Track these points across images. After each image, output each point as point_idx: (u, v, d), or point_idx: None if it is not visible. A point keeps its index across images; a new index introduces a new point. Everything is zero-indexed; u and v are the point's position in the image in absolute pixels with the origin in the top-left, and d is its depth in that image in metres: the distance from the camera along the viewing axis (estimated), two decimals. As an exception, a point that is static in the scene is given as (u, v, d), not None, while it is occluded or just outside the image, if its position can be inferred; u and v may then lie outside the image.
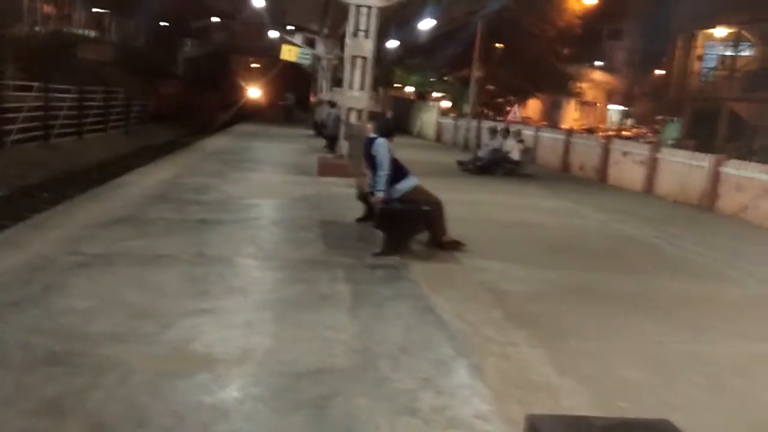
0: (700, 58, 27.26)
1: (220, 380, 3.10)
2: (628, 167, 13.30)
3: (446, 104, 29.25)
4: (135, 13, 36.17)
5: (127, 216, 6.59)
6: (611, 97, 44.30)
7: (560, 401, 3.20)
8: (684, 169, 11.66)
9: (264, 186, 9.67)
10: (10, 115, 14.08)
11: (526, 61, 26.67)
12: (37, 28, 32.98)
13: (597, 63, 43.16)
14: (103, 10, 38.44)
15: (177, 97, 34.34)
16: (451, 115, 25.84)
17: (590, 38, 30.86)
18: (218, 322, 3.84)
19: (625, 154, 13.58)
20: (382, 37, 15.96)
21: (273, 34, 29.29)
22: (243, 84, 52.50)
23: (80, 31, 35.40)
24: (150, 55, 37.26)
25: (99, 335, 3.48)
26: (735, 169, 10.54)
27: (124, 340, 3.45)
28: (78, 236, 5.61)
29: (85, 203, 7.33)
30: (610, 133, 29.69)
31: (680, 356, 3.96)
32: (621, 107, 44.12)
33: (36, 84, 15.73)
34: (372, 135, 6.14)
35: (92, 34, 37.02)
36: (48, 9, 35.97)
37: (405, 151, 7.78)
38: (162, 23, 39.12)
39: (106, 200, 7.48)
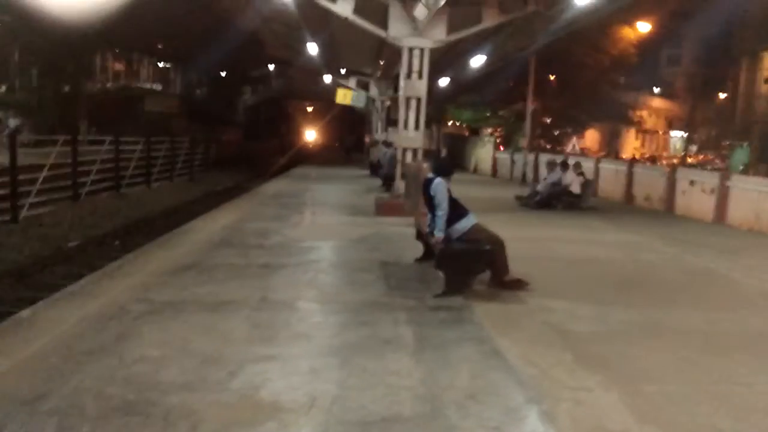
0: (767, 80, 26.23)
1: (288, 429, 3.08)
2: (696, 196, 12.79)
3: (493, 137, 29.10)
4: (197, 66, 37.98)
5: (194, 262, 6.78)
6: (672, 123, 43.08)
7: (641, 451, 3.02)
8: (758, 196, 11.10)
9: (323, 228, 9.79)
10: (85, 168, 14.90)
11: (581, 91, 26.37)
12: (108, 85, 35.11)
13: (656, 90, 42.23)
14: (167, 64, 40.60)
15: (238, 143, 35.62)
16: (504, 150, 25.65)
17: (647, 65, 30.29)
18: (284, 368, 3.85)
19: (692, 182, 13.07)
20: (434, 75, 16.12)
21: (327, 78, 30.10)
22: (299, 128, 53.93)
23: (147, 85, 37.44)
24: (212, 105, 38.92)
25: (170, 384, 3.55)
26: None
27: (193, 388, 3.50)
28: (148, 284, 5.80)
29: (154, 250, 7.59)
30: (675, 161, 28.78)
31: (771, 401, 3.69)
32: (683, 134, 42.78)
33: (108, 138, 16.64)
34: (430, 175, 6.14)
35: (158, 87, 39.12)
36: (118, 66, 38.30)
37: (461, 187, 7.70)
38: (222, 73, 40.94)
39: (174, 247, 7.73)
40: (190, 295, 5.42)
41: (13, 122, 23.53)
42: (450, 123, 36.85)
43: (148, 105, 32.52)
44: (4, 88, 27.40)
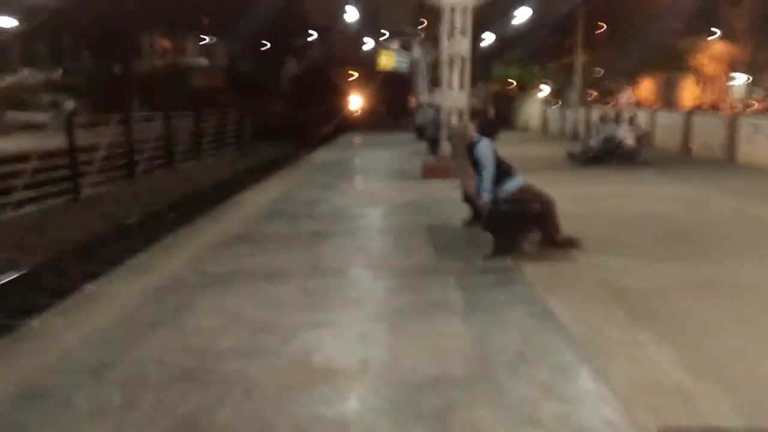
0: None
1: (340, 393, 3.15)
2: (760, 144, 12.14)
3: (546, 93, 28.17)
4: (241, 38, 38.21)
5: (245, 233, 6.94)
6: (734, 68, 40.73)
7: (697, 406, 2.95)
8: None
9: (370, 194, 9.82)
10: (139, 146, 15.35)
11: (633, 39, 25.17)
12: (156, 62, 35.85)
13: (715, 33, 39.91)
14: (212, 38, 41.02)
15: (284, 113, 35.82)
16: (554, 103, 24.90)
17: (705, 7, 28.58)
18: (335, 334, 3.92)
19: (756, 129, 12.40)
20: (477, 32, 15.71)
21: (370, 43, 29.79)
22: (344, 95, 53.77)
23: (193, 60, 37.99)
24: (256, 76, 39.18)
25: (226, 351, 3.67)
26: None
27: (248, 355, 3.61)
28: (202, 256, 5.98)
29: (207, 224, 7.80)
30: (737, 107, 27.31)
31: (839, 354, 3.53)
32: (746, 78, 40.45)
33: (158, 114, 17.05)
34: (475, 136, 6.04)
35: (204, 62, 39.65)
36: (165, 43, 38.97)
37: (510, 146, 7.59)
38: (265, 44, 41.08)
39: (226, 219, 7.93)
40: (243, 266, 5.56)
41: (69, 104, 24.38)
42: (497, 80, 35.96)
43: (195, 80, 33.05)
44: (60, 72, 28.38)
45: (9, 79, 27.06)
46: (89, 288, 5.14)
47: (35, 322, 4.34)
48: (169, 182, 15.69)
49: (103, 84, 26.60)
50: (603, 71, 27.50)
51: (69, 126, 12.09)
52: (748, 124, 12.82)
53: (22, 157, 11.67)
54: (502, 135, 6.11)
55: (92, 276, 6.28)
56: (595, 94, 26.94)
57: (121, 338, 3.91)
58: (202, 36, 40.79)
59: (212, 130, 21.14)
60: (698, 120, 14.77)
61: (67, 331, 4.07)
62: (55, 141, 12.50)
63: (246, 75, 38.79)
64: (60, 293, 6.30)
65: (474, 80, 12.70)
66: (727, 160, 12.92)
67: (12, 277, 7.86)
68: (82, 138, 13.07)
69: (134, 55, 29.01)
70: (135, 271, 5.59)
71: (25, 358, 3.71)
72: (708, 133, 13.98)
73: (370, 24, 24.40)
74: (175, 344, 3.80)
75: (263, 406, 3.02)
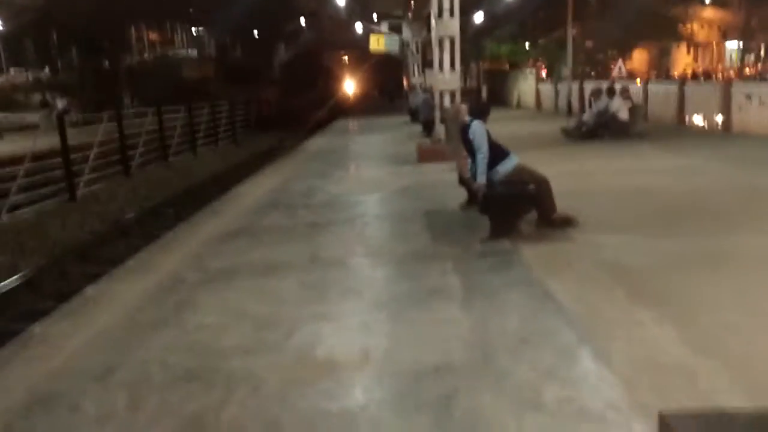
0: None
1: (344, 385, 3.18)
2: (755, 111, 12.11)
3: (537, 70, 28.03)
4: (229, 27, 37.88)
5: (244, 227, 6.94)
6: (727, 34, 40.45)
7: (697, 384, 2.97)
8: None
9: (366, 181, 9.81)
10: (132, 141, 15.28)
11: (624, 9, 24.98)
12: (145, 55, 35.55)
13: (706, -1, 39.57)
14: (200, 29, 40.65)
15: (276, 100, 35.63)
16: (548, 79, 24.79)
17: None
18: (337, 325, 3.94)
19: (749, 96, 12.37)
20: (467, 11, 15.57)
21: (360, 25, 29.52)
22: (337, 79, 53.40)
23: (183, 52, 37.73)
24: (247, 65, 38.87)
25: (229, 348, 3.69)
26: None
27: (252, 351, 3.63)
28: (201, 252, 5.98)
29: (205, 218, 7.80)
30: (731, 74, 27.19)
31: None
32: (739, 44, 40.20)
33: (151, 110, 16.95)
34: (467, 119, 6.03)
35: (193, 52, 39.31)
36: (153, 36, 38.61)
37: (503, 124, 7.59)
38: (255, 32, 40.73)
39: (223, 213, 7.92)
40: (242, 261, 5.56)
41: (60, 103, 24.22)
42: (489, 59, 35.74)
43: (186, 71, 32.81)
44: (47, 69, 28.14)
45: (-2, 80, 26.87)
46: (90, 290, 5.15)
47: (38, 327, 4.36)
48: (165, 176, 15.65)
49: (92, 80, 26.41)
50: (594, 44, 27.33)
51: (60, 125, 12.02)
52: (740, 91, 12.78)
53: (15, 160, 11.64)
54: (496, 113, 6.09)
55: (93, 277, 6.29)
56: (588, 68, 26.78)
57: (125, 340, 3.93)
58: (190, 27, 40.46)
59: (205, 122, 21.03)
60: (691, 89, 14.72)
61: (71, 335, 4.09)
62: (48, 141, 12.44)
63: (236, 64, 38.49)
64: (61, 296, 6.32)
65: (466, 59, 12.63)
66: (722, 129, 12.90)
67: (12, 282, 7.87)
68: (75, 136, 13.02)
69: (123, 50, 28.76)
70: (135, 271, 5.59)
71: (31, 364, 3.72)
72: (702, 103, 13.93)
73: (360, 7, 24.18)
74: (177, 344, 3.81)
75: (269, 403, 3.04)
